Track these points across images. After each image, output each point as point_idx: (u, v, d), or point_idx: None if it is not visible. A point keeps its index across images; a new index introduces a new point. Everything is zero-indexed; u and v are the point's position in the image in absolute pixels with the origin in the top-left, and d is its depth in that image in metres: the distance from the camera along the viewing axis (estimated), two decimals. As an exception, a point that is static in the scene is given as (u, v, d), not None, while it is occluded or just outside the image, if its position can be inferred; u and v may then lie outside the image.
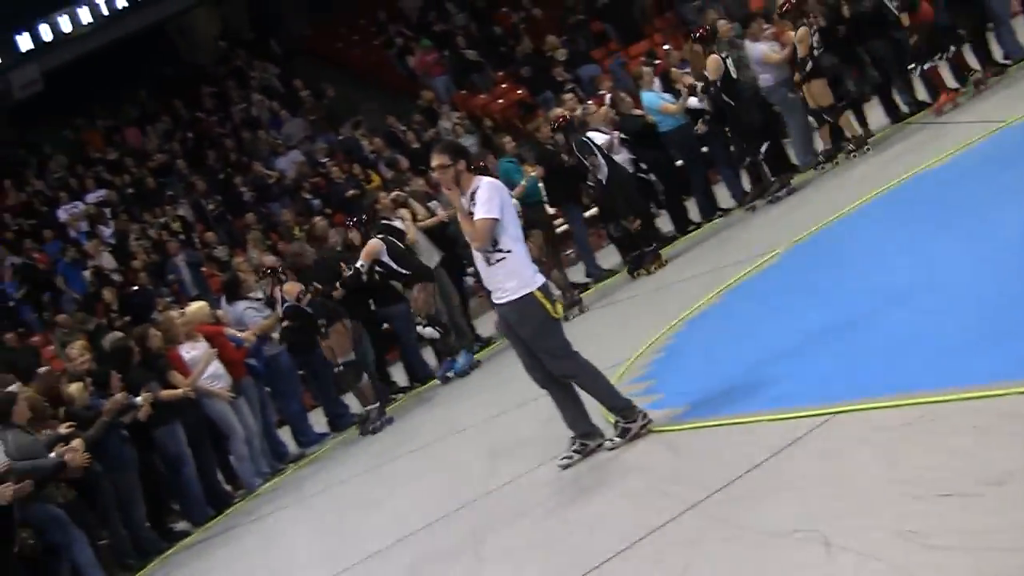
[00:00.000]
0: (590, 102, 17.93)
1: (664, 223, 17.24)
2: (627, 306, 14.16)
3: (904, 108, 16.57)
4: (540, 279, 8.44)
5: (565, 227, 18.00)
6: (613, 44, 28.25)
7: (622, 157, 16.40)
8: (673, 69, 17.96)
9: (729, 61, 15.90)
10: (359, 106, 29.53)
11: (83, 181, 27.70)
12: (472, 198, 8.35)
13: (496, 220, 8.26)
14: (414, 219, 15.96)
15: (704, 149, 17.15)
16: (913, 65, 15.75)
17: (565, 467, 8.59)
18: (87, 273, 23.49)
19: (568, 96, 19.25)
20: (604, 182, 15.60)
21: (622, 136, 16.58)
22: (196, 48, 34.16)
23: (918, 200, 11.82)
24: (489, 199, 8.31)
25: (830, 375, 7.94)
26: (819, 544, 5.35)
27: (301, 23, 33.91)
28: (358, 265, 14.70)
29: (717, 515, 6.50)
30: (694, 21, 24.22)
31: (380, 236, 15.12)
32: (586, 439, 8.59)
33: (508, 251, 8.31)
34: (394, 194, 17.12)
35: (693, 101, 16.43)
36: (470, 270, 16.65)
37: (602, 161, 15.57)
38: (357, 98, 29.98)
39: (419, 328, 15.33)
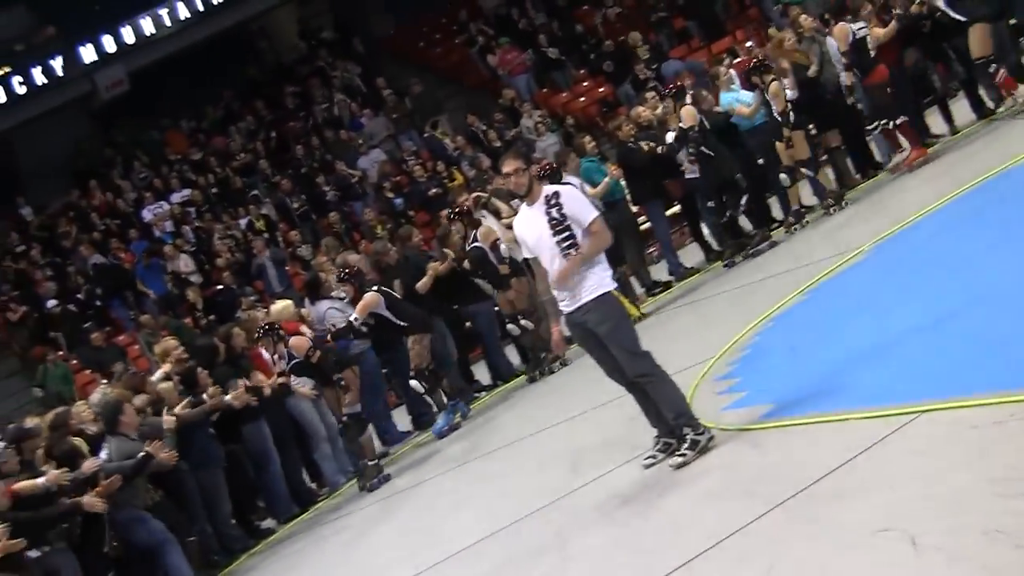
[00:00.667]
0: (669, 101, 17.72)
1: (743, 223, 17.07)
2: (711, 304, 14.08)
3: (990, 104, 16.34)
4: (613, 283, 8.50)
5: (648, 225, 17.88)
6: (695, 41, 28.12)
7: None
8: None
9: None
10: (441, 104, 29.61)
11: (167, 181, 27.97)
12: (549, 205, 8.37)
13: (600, 215, 8.44)
14: (498, 217, 15.91)
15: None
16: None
17: (648, 466, 8.56)
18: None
19: (650, 94, 19.13)
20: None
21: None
22: (279, 48, 34.36)
23: (1007, 197, 11.63)
24: (581, 199, 8.61)
25: (919, 373, 7.84)
26: (907, 543, 5.29)
27: (384, 23, 34.00)
28: (352, 318, 14.24)
29: (803, 514, 6.45)
30: (775, 18, 24.09)
31: (377, 288, 14.62)
32: (670, 437, 8.53)
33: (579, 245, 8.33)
34: (475, 194, 17.11)
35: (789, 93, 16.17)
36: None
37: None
38: (439, 96, 30.04)
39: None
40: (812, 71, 15.98)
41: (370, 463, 13.62)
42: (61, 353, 21.86)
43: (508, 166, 8.58)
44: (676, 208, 17.83)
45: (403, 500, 12.29)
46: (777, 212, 16.97)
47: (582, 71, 28.61)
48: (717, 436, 8.42)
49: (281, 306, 15.51)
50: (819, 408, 8.01)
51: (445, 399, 15.02)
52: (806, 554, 6.01)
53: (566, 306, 8.49)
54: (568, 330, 8.78)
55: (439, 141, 27.15)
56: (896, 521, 5.65)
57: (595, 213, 8.40)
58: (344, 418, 13.82)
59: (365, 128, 28.58)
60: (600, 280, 8.37)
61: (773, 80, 15.68)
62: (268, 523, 14.23)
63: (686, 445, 8.35)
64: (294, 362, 13.92)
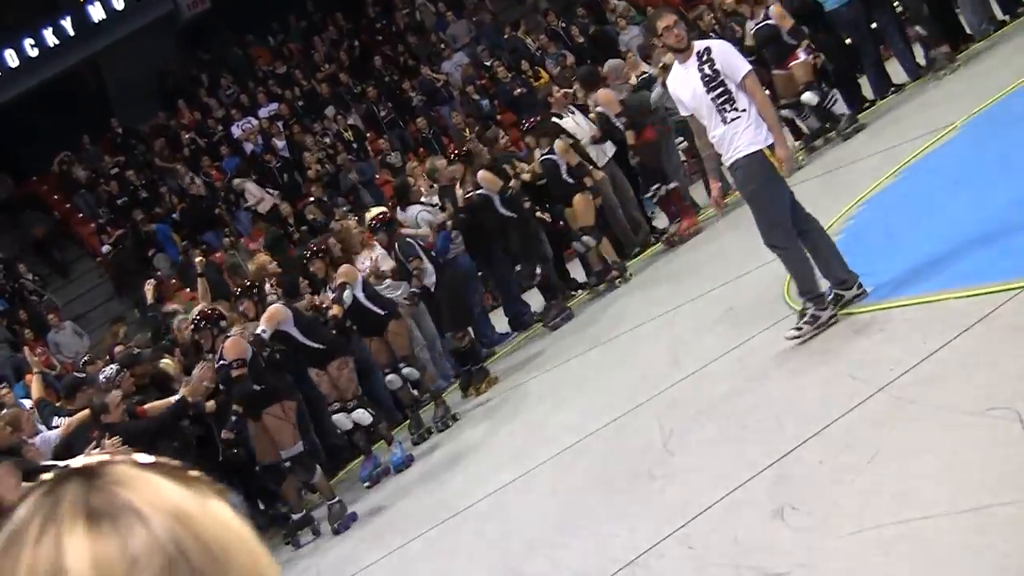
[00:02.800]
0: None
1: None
2: (804, 189, 13.92)
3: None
4: (770, 139, 8.36)
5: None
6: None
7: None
8: None
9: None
10: (523, 3, 29.37)
11: (254, 96, 28.08)
12: (701, 61, 8.34)
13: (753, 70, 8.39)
14: (586, 112, 15.79)
15: (873, 25, 16.64)
16: None
17: (793, 338, 8.40)
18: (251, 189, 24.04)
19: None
20: (432, 289, 13.70)
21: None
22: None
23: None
24: (733, 52, 8.49)
25: (1018, 248, 7.74)
26: (1014, 422, 5.26)
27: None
28: (259, 331, 11.78)
29: (906, 396, 6.43)
30: None
31: (285, 303, 12.46)
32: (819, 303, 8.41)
33: (743, 110, 8.28)
34: (564, 91, 17.03)
35: None
36: (634, 161, 16.49)
37: (428, 265, 13.59)
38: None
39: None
40: None
41: (334, 502, 11.44)
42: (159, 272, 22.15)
43: (664, 20, 8.56)
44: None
45: (506, 401, 12.37)
46: (867, 92, 16.67)
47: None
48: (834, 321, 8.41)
49: (376, 212, 15.55)
50: (918, 289, 7.96)
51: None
52: (911, 437, 6.00)
53: (727, 159, 8.52)
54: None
55: (522, 40, 26.97)
56: (1001, 400, 5.62)
57: (747, 68, 8.35)
58: (285, 463, 11.42)
59: (448, 31, 28.46)
60: (752, 138, 8.31)
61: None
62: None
63: (804, 319, 8.32)
64: (221, 363, 11.37)
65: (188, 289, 20.61)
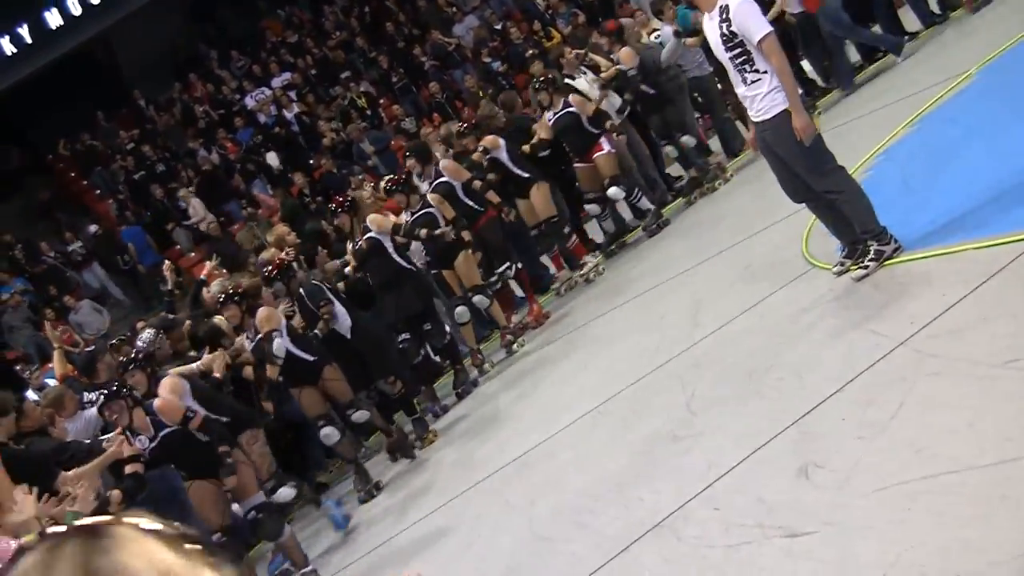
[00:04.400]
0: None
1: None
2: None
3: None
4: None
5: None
6: None
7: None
8: None
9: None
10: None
11: (267, 67, 28.06)
12: (721, 19, 8.18)
13: (773, 32, 8.17)
14: (597, 72, 15.69)
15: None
16: None
17: (839, 274, 8.45)
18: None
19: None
20: (348, 336, 12.29)
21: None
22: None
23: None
24: (752, 13, 8.15)
25: (1036, 197, 7.71)
26: (1038, 372, 5.24)
27: None
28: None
29: (928, 350, 6.40)
30: None
31: (180, 373, 10.96)
32: (856, 244, 8.40)
33: (764, 71, 8.15)
34: (575, 52, 16.92)
35: None
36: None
37: (340, 309, 12.30)
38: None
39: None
40: None
41: (304, 571, 10.12)
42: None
43: None
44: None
45: (524, 368, 12.34)
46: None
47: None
48: (833, 279, 8.38)
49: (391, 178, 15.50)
50: (936, 242, 7.92)
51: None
52: (935, 390, 5.97)
53: (753, 116, 8.38)
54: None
55: (532, 1, 26.87)
56: (1022, 351, 5.60)
57: (766, 29, 8.09)
58: (251, 513, 10.02)
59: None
60: (772, 100, 8.18)
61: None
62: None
63: (869, 256, 8.26)
64: (164, 432, 9.84)
65: (208, 262, 20.69)
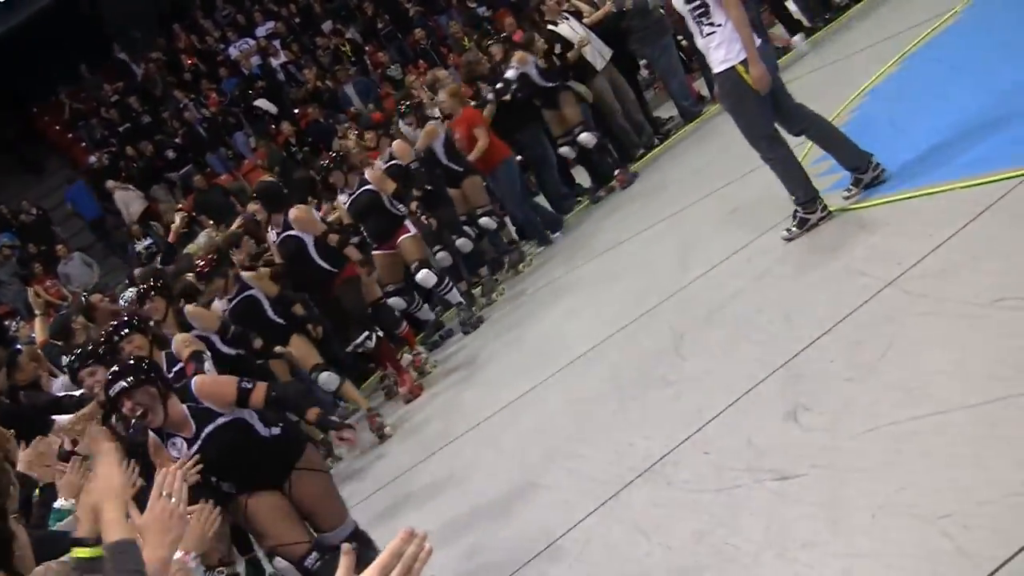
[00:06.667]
0: None
1: None
2: (805, 83, 13.77)
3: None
4: (743, 55, 8.21)
5: None
6: None
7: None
8: None
9: None
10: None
11: (251, 16, 27.89)
12: None
13: None
14: (580, 18, 15.59)
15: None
16: None
17: (788, 240, 8.48)
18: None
19: None
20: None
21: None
22: None
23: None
24: None
25: (1022, 134, 7.66)
26: (1025, 311, 5.23)
27: None
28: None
29: (916, 290, 6.39)
30: None
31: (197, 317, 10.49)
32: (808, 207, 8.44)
33: (719, 25, 8.19)
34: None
35: None
36: (642, 63, 16.38)
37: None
38: None
39: None
40: None
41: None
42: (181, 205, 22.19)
43: None
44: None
45: (513, 315, 12.34)
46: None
47: None
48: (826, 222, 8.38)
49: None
50: (924, 180, 7.88)
51: None
52: (923, 331, 5.97)
53: (712, 68, 8.50)
54: None
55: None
56: (1011, 290, 5.59)
57: None
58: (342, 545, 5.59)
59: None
60: (725, 55, 8.24)
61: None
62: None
63: (795, 222, 8.38)
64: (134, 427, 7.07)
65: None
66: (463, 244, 13.43)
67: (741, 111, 8.39)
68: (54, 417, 8.33)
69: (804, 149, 10.24)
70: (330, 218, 13.15)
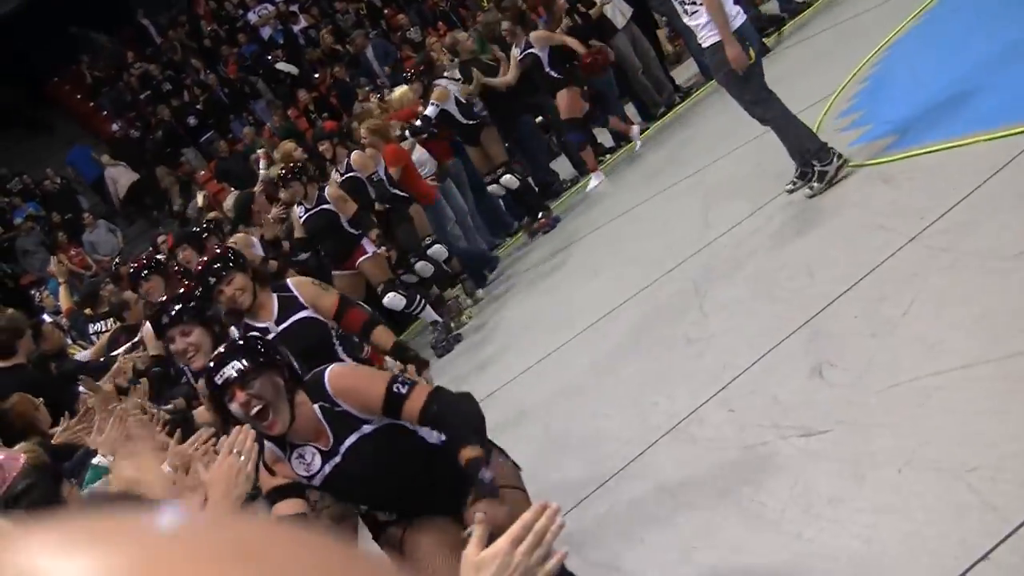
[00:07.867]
0: None
1: None
2: (825, 39, 13.73)
3: None
4: (734, 24, 8.32)
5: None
6: None
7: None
8: None
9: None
10: None
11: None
12: None
13: None
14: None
15: None
16: None
17: (791, 191, 8.59)
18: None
19: None
20: None
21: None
22: None
23: None
24: None
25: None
26: (1050, 263, 5.22)
27: None
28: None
29: (939, 244, 6.38)
30: None
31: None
32: (807, 167, 8.48)
33: (700, 4, 8.28)
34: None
35: None
36: (663, 19, 16.34)
37: None
38: None
39: None
40: None
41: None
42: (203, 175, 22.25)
43: None
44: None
45: (537, 276, 12.33)
46: None
47: None
48: (846, 171, 8.35)
49: (400, 92, 15.44)
50: (946, 134, 7.85)
51: None
52: (947, 284, 5.97)
53: (700, 42, 8.64)
54: None
55: None
56: (1035, 242, 5.59)
57: None
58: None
59: None
60: (710, 30, 8.35)
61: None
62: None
63: (815, 178, 8.38)
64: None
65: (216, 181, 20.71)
66: (422, 268, 12.54)
67: (734, 80, 8.47)
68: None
69: (826, 104, 10.25)
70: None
